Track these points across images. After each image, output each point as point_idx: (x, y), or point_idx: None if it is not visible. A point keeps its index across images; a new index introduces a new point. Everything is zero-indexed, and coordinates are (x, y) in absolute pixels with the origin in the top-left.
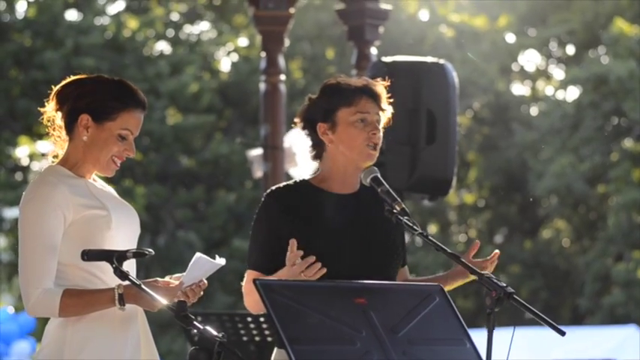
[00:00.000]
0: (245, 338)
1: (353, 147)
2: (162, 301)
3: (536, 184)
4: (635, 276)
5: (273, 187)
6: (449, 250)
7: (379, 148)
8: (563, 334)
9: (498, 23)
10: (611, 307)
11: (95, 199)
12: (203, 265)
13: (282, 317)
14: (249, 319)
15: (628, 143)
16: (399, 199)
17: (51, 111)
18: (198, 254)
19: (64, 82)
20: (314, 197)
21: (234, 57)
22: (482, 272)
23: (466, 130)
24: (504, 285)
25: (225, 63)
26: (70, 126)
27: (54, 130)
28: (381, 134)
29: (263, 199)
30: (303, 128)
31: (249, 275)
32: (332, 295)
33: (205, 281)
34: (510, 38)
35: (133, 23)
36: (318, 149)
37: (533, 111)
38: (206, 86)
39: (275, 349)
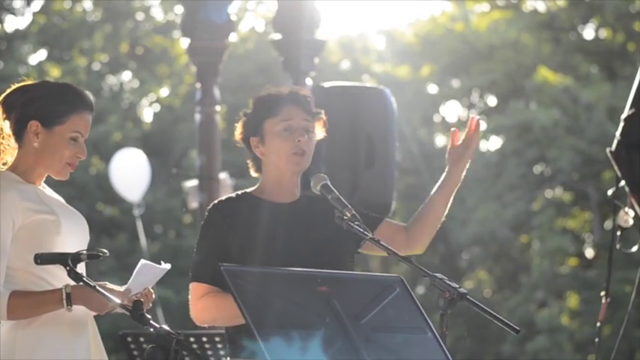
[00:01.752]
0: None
1: (280, 157)
2: (116, 300)
3: (460, 232)
4: (558, 322)
5: (216, 201)
6: (400, 254)
7: (309, 154)
8: (517, 331)
9: (421, 73)
10: (535, 353)
11: (44, 204)
12: (148, 270)
13: (248, 302)
14: (192, 339)
15: (551, 191)
16: (349, 206)
17: None
18: (143, 261)
19: (8, 91)
20: (253, 207)
21: (157, 107)
22: (435, 274)
23: None
24: (457, 286)
25: (147, 112)
26: (19, 133)
27: (2, 138)
28: (313, 139)
29: (207, 212)
30: (243, 145)
31: (195, 288)
32: (296, 282)
33: (152, 290)
34: (432, 89)
35: (55, 72)
36: (257, 163)
37: None
38: (129, 135)
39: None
